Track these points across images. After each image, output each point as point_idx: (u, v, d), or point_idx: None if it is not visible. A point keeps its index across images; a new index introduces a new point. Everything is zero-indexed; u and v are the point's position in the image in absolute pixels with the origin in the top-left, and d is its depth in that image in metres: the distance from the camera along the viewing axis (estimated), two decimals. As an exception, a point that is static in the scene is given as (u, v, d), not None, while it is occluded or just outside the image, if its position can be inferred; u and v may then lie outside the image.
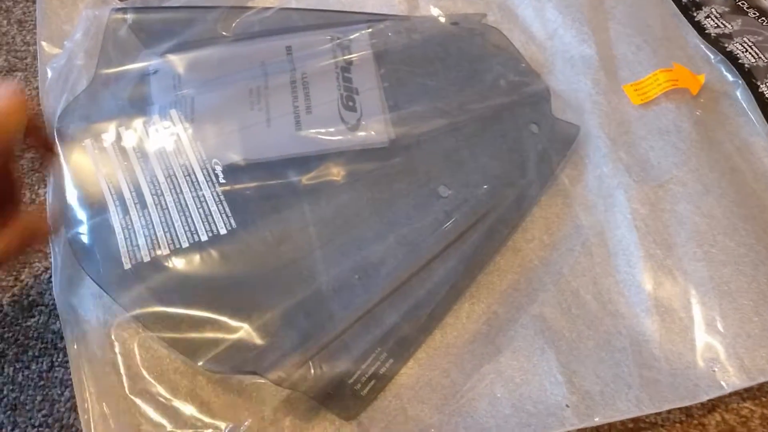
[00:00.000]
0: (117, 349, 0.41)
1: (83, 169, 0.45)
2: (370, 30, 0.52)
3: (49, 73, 0.51)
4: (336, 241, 0.44)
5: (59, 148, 0.46)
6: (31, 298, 0.46)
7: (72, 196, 0.45)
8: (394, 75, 0.50)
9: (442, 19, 0.54)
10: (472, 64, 0.52)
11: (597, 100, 0.50)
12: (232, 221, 0.43)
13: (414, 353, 0.42)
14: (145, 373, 0.40)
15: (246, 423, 0.39)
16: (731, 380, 0.40)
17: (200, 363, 0.40)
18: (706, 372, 0.41)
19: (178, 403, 0.40)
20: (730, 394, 0.42)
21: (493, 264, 0.45)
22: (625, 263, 0.44)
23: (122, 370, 0.40)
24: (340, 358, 0.40)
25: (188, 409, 0.40)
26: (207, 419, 0.39)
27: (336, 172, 0.46)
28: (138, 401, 0.40)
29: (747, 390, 0.42)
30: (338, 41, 0.51)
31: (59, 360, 0.44)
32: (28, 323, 0.45)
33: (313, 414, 0.40)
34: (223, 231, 0.43)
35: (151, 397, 0.40)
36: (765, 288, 0.42)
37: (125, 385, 0.40)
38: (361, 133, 0.47)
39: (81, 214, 0.44)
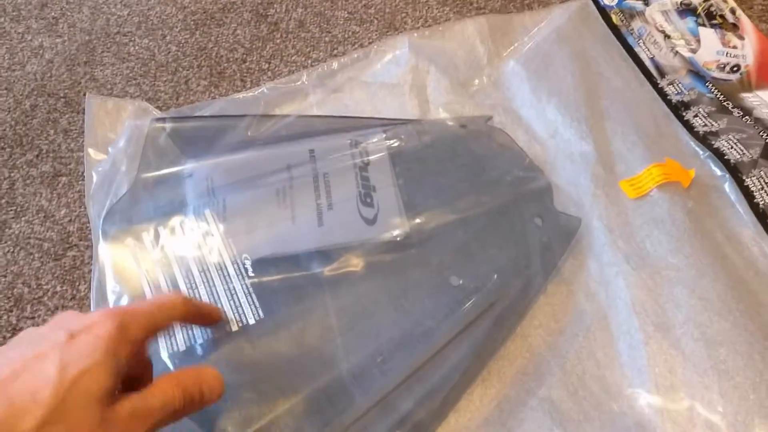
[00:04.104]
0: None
1: (125, 266, 0.49)
2: (385, 133, 0.57)
3: (95, 177, 0.56)
4: (355, 329, 0.47)
5: (104, 246, 0.50)
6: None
7: (114, 291, 0.49)
8: (408, 173, 0.54)
9: (451, 122, 0.59)
10: (480, 162, 0.56)
11: (596, 193, 0.54)
12: (260, 311, 0.46)
13: (430, 436, 0.45)
14: (179, 456, 0.43)
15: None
16: (733, 459, 0.42)
17: (230, 446, 0.42)
18: (708, 451, 0.43)
19: (209, 486, 0.42)
20: (733, 473, 0.43)
21: (503, 349, 0.48)
22: (627, 346, 0.47)
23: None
24: (360, 442, 0.43)
25: (219, 490, 0.42)
26: (236, 500, 0.42)
27: (355, 264, 0.49)
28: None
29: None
30: (356, 143, 0.55)
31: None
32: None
33: (336, 496, 0.42)
34: (251, 321, 0.46)
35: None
36: (760, 366, 0.45)
37: (161, 467, 0.43)
38: (379, 228, 0.51)
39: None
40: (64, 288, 0.54)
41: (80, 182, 0.60)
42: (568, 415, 0.45)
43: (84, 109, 0.62)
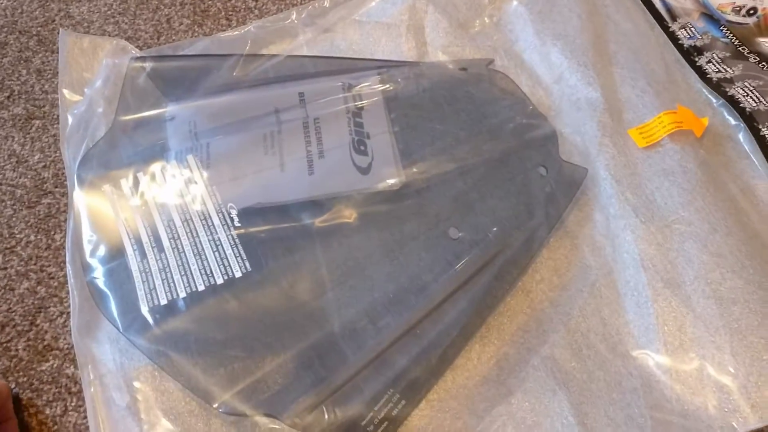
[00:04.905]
0: (133, 393, 0.42)
1: (102, 214, 0.46)
2: (380, 76, 0.53)
3: (70, 120, 0.53)
4: (348, 282, 0.45)
5: (79, 193, 0.47)
6: (45, 343, 0.47)
7: (90, 241, 0.46)
8: (404, 120, 0.51)
9: (450, 65, 0.56)
10: (480, 108, 0.53)
11: (603, 142, 0.51)
12: (247, 264, 0.44)
13: (426, 395, 0.43)
14: (161, 415, 0.41)
15: (260, 465, 0.40)
16: (744, 421, 0.40)
17: (215, 405, 0.40)
18: (718, 412, 0.41)
19: (193, 446, 0.40)
20: (744, 435, 0.42)
21: (503, 305, 0.46)
22: (634, 303, 0.45)
23: (138, 414, 0.41)
24: (353, 401, 0.41)
25: (203, 451, 0.40)
26: (222, 462, 0.40)
27: (348, 215, 0.47)
28: (154, 444, 0.40)
29: (760, 431, 0.42)
30: (349, 87, 0.52)
31: (73, 404, 0.44)
32: (43, 368, 0.46)
33: (327, 456, 0.40)
34: (238, 274, 0.43)
35: (167, 439, 0.40)
36: (775, 326, 0.43)
37: (142, 428, 0.41)
38: (373, 177, 0.48)
39: (99, 258, 0.45)
40: (39, 237, 0.51)
41: (55, 125, 0.56)
42: (571, 374, 0.43)
43: (58, 48, 0.58)
